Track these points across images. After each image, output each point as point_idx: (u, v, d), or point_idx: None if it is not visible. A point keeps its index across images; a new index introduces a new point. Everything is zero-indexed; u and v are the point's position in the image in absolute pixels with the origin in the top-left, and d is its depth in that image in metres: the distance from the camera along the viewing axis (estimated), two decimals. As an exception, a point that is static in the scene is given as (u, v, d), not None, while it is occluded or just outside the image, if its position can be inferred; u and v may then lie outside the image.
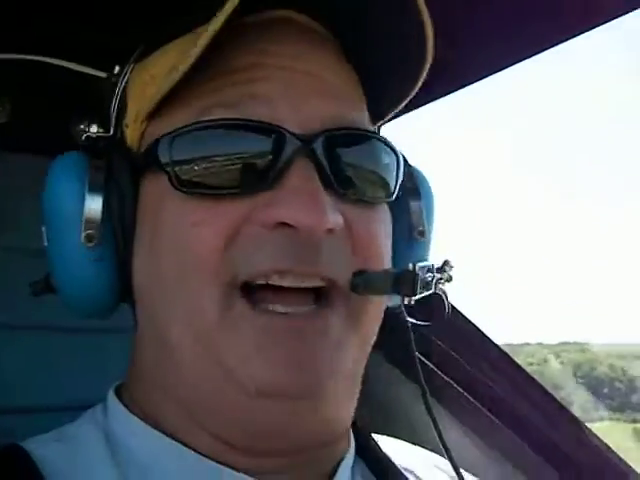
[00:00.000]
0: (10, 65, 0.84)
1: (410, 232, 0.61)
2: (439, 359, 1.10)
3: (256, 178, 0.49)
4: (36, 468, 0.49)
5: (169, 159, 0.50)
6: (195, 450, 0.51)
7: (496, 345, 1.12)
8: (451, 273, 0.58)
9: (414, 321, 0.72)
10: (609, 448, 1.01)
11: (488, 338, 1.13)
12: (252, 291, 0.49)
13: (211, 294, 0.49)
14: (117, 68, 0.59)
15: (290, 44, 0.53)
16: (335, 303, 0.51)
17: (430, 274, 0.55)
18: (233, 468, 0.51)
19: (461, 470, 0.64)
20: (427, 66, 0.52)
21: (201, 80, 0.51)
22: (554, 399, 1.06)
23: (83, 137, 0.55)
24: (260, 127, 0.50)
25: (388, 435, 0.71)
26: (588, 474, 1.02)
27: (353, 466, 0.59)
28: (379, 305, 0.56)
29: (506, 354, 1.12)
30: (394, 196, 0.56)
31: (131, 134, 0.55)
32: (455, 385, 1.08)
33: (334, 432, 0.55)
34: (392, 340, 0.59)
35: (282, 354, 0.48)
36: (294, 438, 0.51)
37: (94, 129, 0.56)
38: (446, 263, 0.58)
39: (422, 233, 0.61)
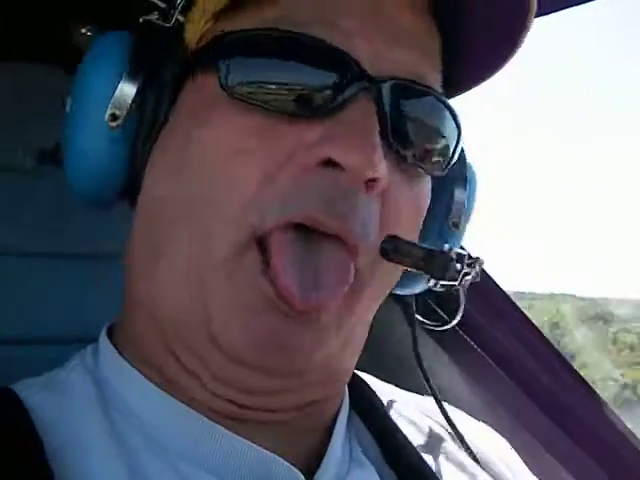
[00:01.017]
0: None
1: (445, 219, 0.57)
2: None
3: (314, 105, 0.46)
4: (29, 417, 0.47)
5: (227, 59, 0.46)
6: (190, 400, 0.49)
7: (515, 304, 1.09)
8: (478, 271, 0.54)
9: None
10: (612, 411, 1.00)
11: (505, 294, 1.09)
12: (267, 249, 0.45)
13: (229, 232, 0.45)
14: None
15: None
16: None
17: (460, 265, 0.51)
18: (224, 426, 0.49)
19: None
20: (527, 31, 0.48)
21: None
22: (563, 359, 1.04)
23: (141, 20, 0.51)
24: (334, 53, 0.45)
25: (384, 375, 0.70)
26: (587, 427, 1.01)
27: (348, 421, 0.58)
28: (391, 281, 0.53)
29: (520, 310, 1.09)
30: (445, 171, 0.52)
31: (192, 31, 0.50)
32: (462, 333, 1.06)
33: (331, 388, 0.54)
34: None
35: (262, 329, 0.45)
36: (285, 393, 0.50)
37: (154, 16, 0.51)
38: (477, 260, 0.53)
39: (456, 225, 0.57)
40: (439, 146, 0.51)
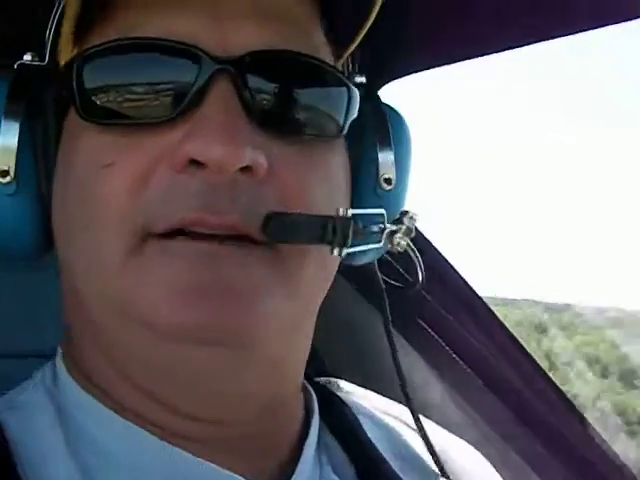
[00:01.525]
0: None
1: (374, 180, 0.53)
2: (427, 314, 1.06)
3: (171, 108, 0.43)
4: (2, 434, 0.46)
5: (77, 84, 0.45)
6: (143, 421, 0.47)
7: (485, 303, 1.08)
8: (411, 226, 0.50)
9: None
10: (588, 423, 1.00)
11: (477, 295, 1.08)
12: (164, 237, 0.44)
13: (115, 241, 0.44)
14: None
15: None
16: (256, 249, 0.44)
17: (377, 225, 0.48)
18: (185, 449, 0.47)
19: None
20: None
21: (121, 6, 0.45)
22: (536, 363, 1.03)
23: (15, 65, 0.50)
24: (175, 48, 0.43)
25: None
26: (561, 437, 1.00)
27: (318, 441, 0.54)
28: (323, 261, 0.48)
29: (492, 312, 1.08)
30: (340, 134, 0.49)
31: (63, 62, 0.49)
32: (436, 337, 1.04)
33: (277, 387, 0.50)
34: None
35: (188, 285, 0.42)
36: (229, 392, 0.47)
37: (28, 57, 0.50)
38: (404, 214, 0.50)
39: (389, 181, 0.53)
40: (325, 109, 0.48)
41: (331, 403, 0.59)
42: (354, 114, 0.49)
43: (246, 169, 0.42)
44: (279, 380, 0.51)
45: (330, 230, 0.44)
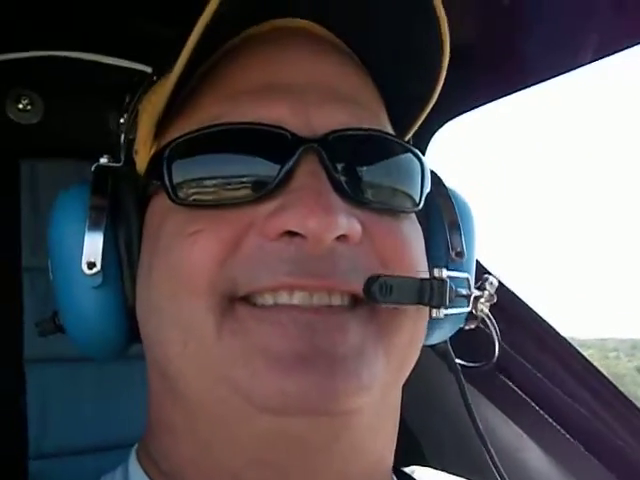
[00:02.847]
0: (43, 62, 0.81)
1: (446, 252, 0.55)
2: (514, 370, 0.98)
3: (260, 185, 0.45)
4: None
5: (166, 173, 0.47)
6: None
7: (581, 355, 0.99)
8: (492, 292, 0.52)
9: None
10: None
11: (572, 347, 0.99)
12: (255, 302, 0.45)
13: (206, 305, 0.44)
14: (127, 97, 0.57)
15: (300, 57, 0.50)
16: (357, 309, 0.45)
17: (465, 288, 0.50)
18: None
19: None
20: (443, 67, 0.49)
21: (203, 101, 0.48)
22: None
23: (92, 168, 0.54)
24: (261, 130, 0.46)
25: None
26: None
27: None
28: (416, 325, 0.49)
29: (591, 365, 0.98)
30: (419, 206, 0.50)
31: (140, 160, 0.52)
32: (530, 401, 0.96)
33: (369, 467, 0.49)
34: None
35: (288, 353, 0.42)
36: (323, 467, 0.46)
37: (104, 160, 0.55)
38: (485, 280, 0.51)
39: (460, 254, 0.55)
40: (403, 182, 0.50)
41: None
42: (428, 187, 0.51)
43: (342, 237, 0.44)
44: (370, 455, 0.49)
45: (428, 291, 0.45)
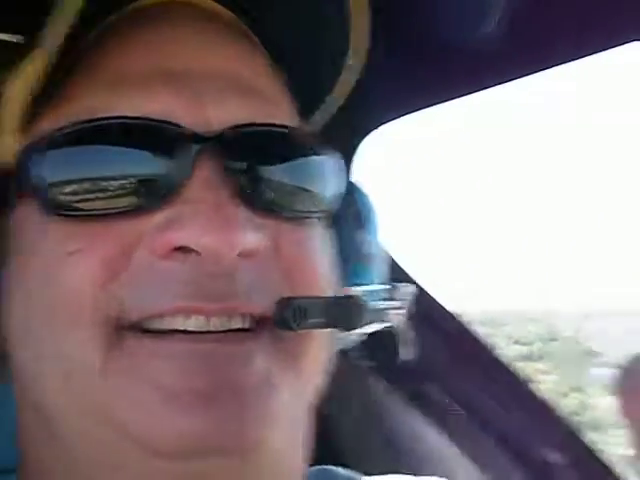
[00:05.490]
0: None
1: (358, 257, 0.51)
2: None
3: (149, 193, 0.38)
4: None
5: (35, 181, 0.39)
6: None
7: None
8: (408, 301, 0.48)
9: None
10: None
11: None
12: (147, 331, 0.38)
13: (89, 337, 0.37)
14: None
15: (192, 37, 0.42)
16: (259, 333, 0.39)
17: (382, 301, 0.45)
18: None
19: None
20: (349, 54, 0.44)
21: (78, 88, 0.40)
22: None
23: None
24: (148, 126, 0.38)
25: None
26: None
27: None
28: (325, 343, 0.44)
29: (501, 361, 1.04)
30: (331, 210, 0.45)
31: (3, 151, 0.43)
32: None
33: None
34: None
35: (185, 388, 0.36)
36: None
37: None
38: (395, 288, 0.48)
39: (371, 258, 0.52)
40: (310, 184, 0.44)
41: None
42: (342, 188, 0.45)
43: (243, 251, 0.37)
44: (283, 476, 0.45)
45: (344, 311, 0.41)
